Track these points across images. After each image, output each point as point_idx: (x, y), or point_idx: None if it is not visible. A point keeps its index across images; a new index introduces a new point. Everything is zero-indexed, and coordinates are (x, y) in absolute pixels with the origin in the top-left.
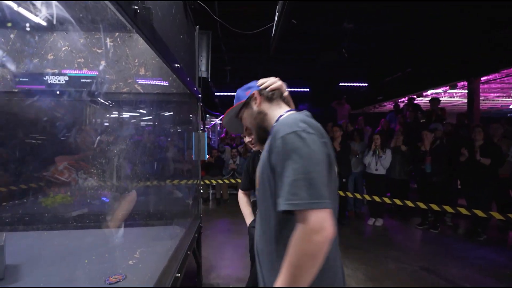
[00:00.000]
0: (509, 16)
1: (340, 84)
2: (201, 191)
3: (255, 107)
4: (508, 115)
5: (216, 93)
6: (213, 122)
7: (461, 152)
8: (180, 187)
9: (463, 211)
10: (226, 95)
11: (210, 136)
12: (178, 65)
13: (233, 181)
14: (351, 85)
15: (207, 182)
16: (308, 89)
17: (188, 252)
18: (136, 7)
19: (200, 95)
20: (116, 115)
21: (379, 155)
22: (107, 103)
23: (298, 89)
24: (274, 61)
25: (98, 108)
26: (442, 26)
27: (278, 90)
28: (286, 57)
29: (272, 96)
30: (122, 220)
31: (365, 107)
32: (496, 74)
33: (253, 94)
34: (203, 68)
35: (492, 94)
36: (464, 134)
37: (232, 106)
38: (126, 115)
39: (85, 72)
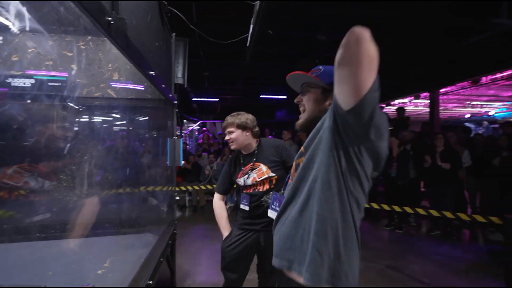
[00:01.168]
0: (463, 33)
1: None
2: (177, 197)
3: (329, 101)
4: (465, 123)
5: (194, 98)
6: (191, 128)
7: (425, 159)
8: (155, 194)
9: (421, 211)
10: (204, 100)
11: (187, 142)
12: (153, 72)
13: (209, 187)
14: None
15: (183, 188)
16: (285, 96)
17: (161, 260)
18: (109, 18)
19: (176, 101)
20: (87, 120)
21: None
22: (77, 107)
23: (275, 96)
24: (252, 68)
25: (67, 112)
26: (407, 41)
27: None
28: (264, 64)
29: None
30: (86, 229)
31: None
32: (453, 87)
33: None
34: (180, 74)
35: (450, 104)
36: (426, 141)
37: (313, 76)
38: (97, 119)
39: (53, 75)
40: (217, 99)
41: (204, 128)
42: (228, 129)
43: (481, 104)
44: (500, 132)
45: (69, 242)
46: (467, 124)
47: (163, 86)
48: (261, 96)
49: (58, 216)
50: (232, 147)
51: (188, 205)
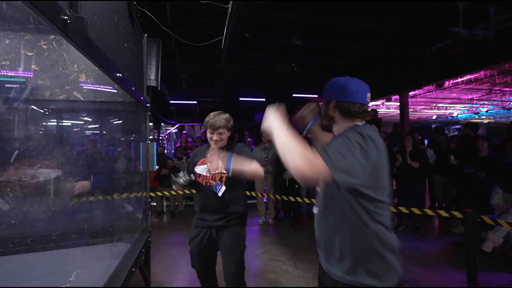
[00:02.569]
0: (429, 39)
1: (293, 95)
2: (152, 203)
3: (330, 110)
4: (432, 124)
5: (171, 101)
6: (169, 131)
7: (396, 158)
8: (127, 200)
9: (392, 209)
10: (182, 103)
11: (165, 146)
12: (120, 74)
13: (187, 191)
14: (304, 96)
15: (159, 194)
16: (264, 99)
17: (133, 269)
18: (65, 17)
19: (148, 104)
20: (49, 124)
21: None
22: (41, 111)
23: (254, 99)
24: (230, 70)
25: (23, 116)
26: (380, 47)
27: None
28: (242, 67)
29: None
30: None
31: None
32: (420, 90)
33: (331, 103)
34: (153, 76)
35: (419, 107)
36: (397, 141)
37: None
38: (64, 123)
39: (10, 75)
40: (196, 102)
41: (184, 131)
42: (220, 130)
43: (445, 106)
44: (460, 132)
45: (30, 257)
46: (434, 125)
47: (133, 88)
48: (240, 98)
49: (16, 229)
50: (220, 146)
51: (166, 210)
